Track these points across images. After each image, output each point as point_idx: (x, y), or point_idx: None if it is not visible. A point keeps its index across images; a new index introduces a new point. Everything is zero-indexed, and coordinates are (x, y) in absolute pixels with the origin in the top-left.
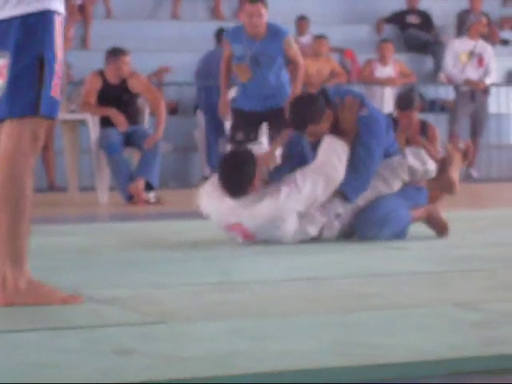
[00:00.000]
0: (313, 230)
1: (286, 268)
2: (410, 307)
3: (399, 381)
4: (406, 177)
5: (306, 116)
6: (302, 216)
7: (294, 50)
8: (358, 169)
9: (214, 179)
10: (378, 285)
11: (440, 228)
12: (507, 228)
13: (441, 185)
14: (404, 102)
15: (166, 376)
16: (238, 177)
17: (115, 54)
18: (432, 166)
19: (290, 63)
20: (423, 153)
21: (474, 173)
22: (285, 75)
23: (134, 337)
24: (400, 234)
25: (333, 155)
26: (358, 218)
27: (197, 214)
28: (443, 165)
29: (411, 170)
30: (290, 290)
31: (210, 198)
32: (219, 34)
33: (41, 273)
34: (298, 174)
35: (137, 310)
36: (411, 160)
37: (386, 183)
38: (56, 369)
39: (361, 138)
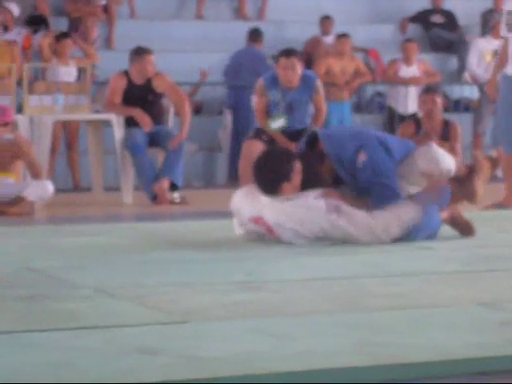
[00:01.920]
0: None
1: (309, 268)
2: (435, 307)
3: (424, 380)
4: (419, 183)
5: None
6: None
7: (321, 96)
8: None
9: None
10: (403, 284)
11: (465, 229)
12: None
13: (464, 192)
14: (429, 87)
15: (189, 376)
16: (270, 174)
17: (139, 53)
18: (449, 165)
19: (314, 107)
20: (435, 151)
21: (499, 172)
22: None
23: (156, 336)
24: (432, 236)
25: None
26: None
27: (221, 214)
28: (470, 173)
29: (425, 175)
30: (312, 290)
31: (243, 193)
32: (253, 33)
33: (65, 272)
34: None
35: (160, 309)
36: (422, 164)
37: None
38: (78, 368)
39: (371, 181)
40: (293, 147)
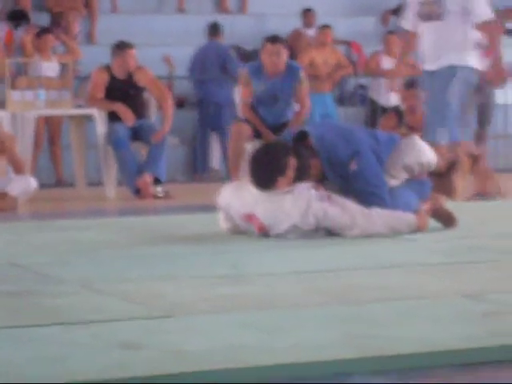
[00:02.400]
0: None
1: (295, 261)
2: (419, 298)
3: (409, 371)
4: (401, 176)
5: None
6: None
7: (304, 88)
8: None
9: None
10: (387, 276)
11: (447, 220)
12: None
13: (443, 187)
14: (409, 82)
15: (174, 370)
16: (266, 168)
17: (121, 48)
18: (429, 158)
19: (297, 100)
20: (417, 144)
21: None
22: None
23: (141, 331)
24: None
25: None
26: None
27: (205, 208)
28: (450, 168)
29: (407, 169)
30: (298, 283)
31: (234, 188)
32: (212, 28)
33: (50, 267)
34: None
35: (145, 303)
36: (405, 158)
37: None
38: (65, 363)
39: (361, 189)
40: (271, 135)
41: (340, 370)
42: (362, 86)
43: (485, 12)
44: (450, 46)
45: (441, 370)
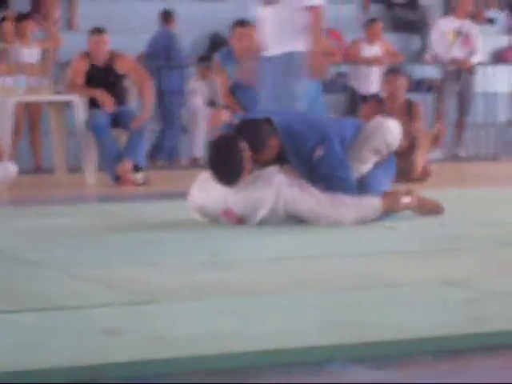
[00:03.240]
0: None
1: (274, 247)
2: (400, 286)
3: (388, 358)
4: (370, 159)
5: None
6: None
7: None
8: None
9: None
10: (367, 264)
11: (434, 211)
12: (495, 207)
13: (403, 165)
14: (392, 68)
15: (155, 356)
16: (227, 166)
17: (92, 33)
18: (396, 135)
19: None
20: (383, 124)
21: (462, 152)
22: None
23: (122, 317)
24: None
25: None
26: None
27: (184, 195)
28: (410, 147)
29: (375, 151)
30: (277, 270)
31: (201, 187)
32: (165, 15)
33: (30, 253)
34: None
35: (124, 289)
36: (372, 141)
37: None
38: (45, 349)
39: (327, 174)
40: None
41: (319, 356)
42: (342, 74)
43: None
44: (286, 31)
45: (421, 357)
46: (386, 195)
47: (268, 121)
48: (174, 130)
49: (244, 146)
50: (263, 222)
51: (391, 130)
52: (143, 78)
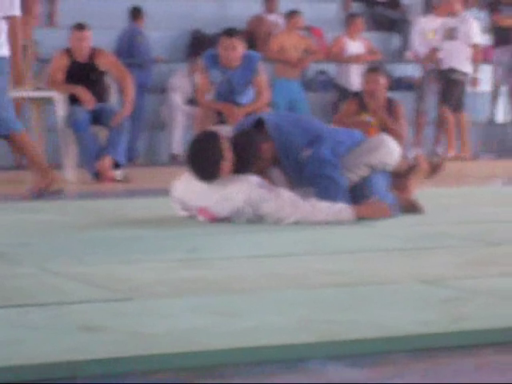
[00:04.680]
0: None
1: (253, 245)
2: (377, 284)
3: (365, 356)
4: (360, 172)
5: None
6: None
7: (261, 78)
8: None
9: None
10: (346, 262)
11: (414, 209)
12: (474, 205)
13: (396, 188)
14: (373, 67)
15: (133, 352)
16: (204, 161)
17: (74, 29)
18: (394, 159)
19: (256, 90)
20: (385, 145)
21: (441, 151)
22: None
23: (100, 313)
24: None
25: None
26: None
27: (164, 192)
28: (408, 170)
29: (369, 167)
30: (255, 267)
31: (186, 181)
32: (134, 12)
33: (8, 249)
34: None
35: (103, 286)
36: (370, 158)
37: (348, 179)
38: (22, 346)
39: (314, 173)
40: (236, 111)
41: (296, 354)
42: (323, 72)
43: None
44: None
45: (398, 356)
46: (363, 205)
47: (261, 124)
48: (135, 127)
49: (225, 144)
50: (233, 220)
51: (392, 150)
52: (124, 75)
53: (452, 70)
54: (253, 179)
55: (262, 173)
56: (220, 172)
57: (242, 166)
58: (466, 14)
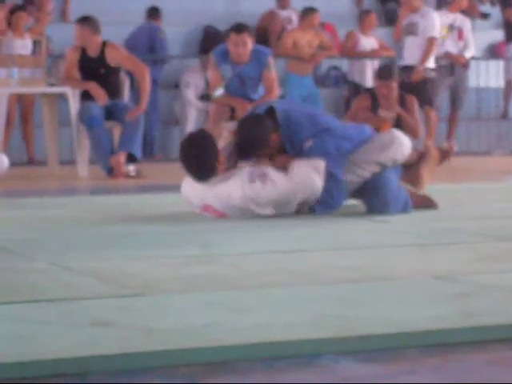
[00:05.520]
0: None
1: (265, 241)
2: (390, 279)
3: (378, 352)
4: (371, 169)
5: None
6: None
7: (272, 74)
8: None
9: None
10: (358, 258)
11: (428, 205)
12: (486, 201)
13: (409, 178)
14: (384, 72)
15: (144, 348)
16: (199, 161)
17: (77, 22)
18: (405, 154)
19: (265, 85)
20: (396, 141)
21: (454, 146)
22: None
23: (112, 309)
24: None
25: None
26: (368, 196)
27: (176, 188)
28: (418, 160)
29: (379, 164)
30: (268, 263)
31: (186, 182)
32: (151, 11)
33: (21, 245)
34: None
35: (115, 282)
36: (380, 155)
37: (357, 176)
38: (35, 340)
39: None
40: (248, 106)
41: (308, 350)
42: (336, 68)
43: None
44: None
45: (411, 351)
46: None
47: (271, 112)
48: (149, 123)
49: (215, 143)
50: (240, 216)
51: (403, 146)
52: (140, 68)
53: (412, 67)
54: (243, 175)
55: (268, 159)
56: (214, 172)
57: (248, 150)
58: (426, 9)
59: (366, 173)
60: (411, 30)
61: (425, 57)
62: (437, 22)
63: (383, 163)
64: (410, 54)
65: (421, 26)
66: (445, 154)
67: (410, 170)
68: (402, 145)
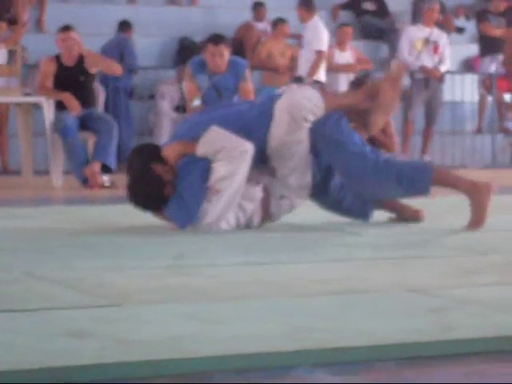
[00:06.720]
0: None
1: (240, 252)
2: (363, 292)
3: (352, 364)
4: (311, 119)
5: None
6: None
7: (248, 86)
8: None
9: None
10: (333, 270)
11: (415, 216)
12: (462, 215)
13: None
14: (358, 80)
15: (119, 358)
16: (146, 197)
17: (59, 31)
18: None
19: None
20: (305, 90)
21: (427, 158)
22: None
23: (87, 319)
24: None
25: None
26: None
27: None
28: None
29: (313, 112)
30: (243, 275)
31: None
32: (122, 24)
33: None
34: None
35: (90, 292)
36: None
37: (295, 140)
38: (8, 350)
39: None
40: None
41: (282, 362)
42: (318, 81)
43: None
44: None
45: (386, 364)
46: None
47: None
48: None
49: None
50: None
51: (304, 95)
52: (112, 65)
53: (301, 79)
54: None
55: None
56: (165, 199)
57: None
58: (313, 21)
59: (298, 134)
60: (301, 42)
61: (311, 70)
62: (323, 35)
63: (304, 117)
64: (301, 66)
65: (306, 39)
66: (415, 215)
67: (360, 117)
68: (297, 91)
